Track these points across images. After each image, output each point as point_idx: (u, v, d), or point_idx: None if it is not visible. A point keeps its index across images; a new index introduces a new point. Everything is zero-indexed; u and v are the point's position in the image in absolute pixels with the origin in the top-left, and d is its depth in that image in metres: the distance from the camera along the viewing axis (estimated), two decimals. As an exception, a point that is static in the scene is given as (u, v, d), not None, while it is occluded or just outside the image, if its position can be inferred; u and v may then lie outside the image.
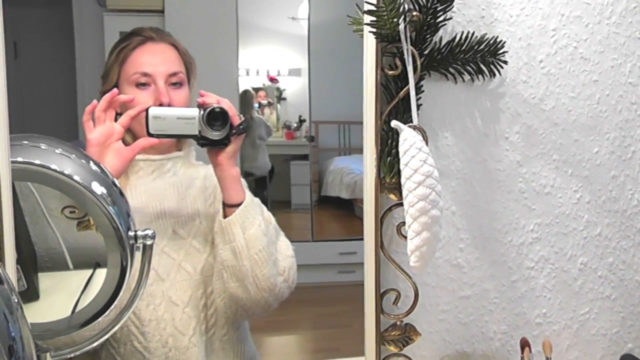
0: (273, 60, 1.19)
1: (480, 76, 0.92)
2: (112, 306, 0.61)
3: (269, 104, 1.21)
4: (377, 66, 0.87)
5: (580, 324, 1.03)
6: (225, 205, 0.83)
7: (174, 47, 0.90)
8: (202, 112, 0.80)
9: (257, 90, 1.25)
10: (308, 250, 1.18)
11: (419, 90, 0.89)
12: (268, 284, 0.83)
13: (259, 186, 1.18)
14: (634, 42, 0.99)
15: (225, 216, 0.83)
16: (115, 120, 0.81)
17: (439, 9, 0.87)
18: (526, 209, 0.98)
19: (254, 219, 0.83)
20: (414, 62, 0.85)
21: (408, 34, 0.85)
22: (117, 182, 0.62)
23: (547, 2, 0.95)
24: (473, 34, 0.90)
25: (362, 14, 0.86)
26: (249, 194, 0.85)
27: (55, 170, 0.56)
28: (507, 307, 1.00)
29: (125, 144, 0.80)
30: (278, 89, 1.20)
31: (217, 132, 0.81)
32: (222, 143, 0.82)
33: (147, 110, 0.80)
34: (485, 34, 0.91)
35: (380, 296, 0.90)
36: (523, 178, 0.97)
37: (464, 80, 0.92)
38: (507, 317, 1.00)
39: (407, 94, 0.85)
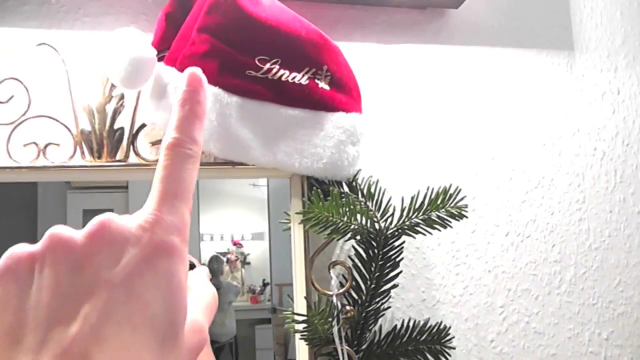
0: (236, 224, 1.16)
1: (426, 367, 0.85)
2: None
3: (237, 259, 1.17)
4: (314, 375, 0.79)
5: None
6: None
7: None
8: None
9: (224, 254, 1.23)
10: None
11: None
12: None
13: (223, 355, 1.09)
14: (588, 310, 0.94)
15: None
16: None
17: (375, 300, 0.81)
18: None
19: None
20: (351, 363, 0.78)
21: (342, 334, 0.78)
22: None
23: (491, 277, 0.91)
24: (414, 323, 0.83)
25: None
26: None
27: None
28: None
29: None
30: (242, 253, 1.16)
31: None
32: None
33: None
34: (429, 318, 0.85)
35: None
36: None
37: (408, 374, 0.85)
38: None
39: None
